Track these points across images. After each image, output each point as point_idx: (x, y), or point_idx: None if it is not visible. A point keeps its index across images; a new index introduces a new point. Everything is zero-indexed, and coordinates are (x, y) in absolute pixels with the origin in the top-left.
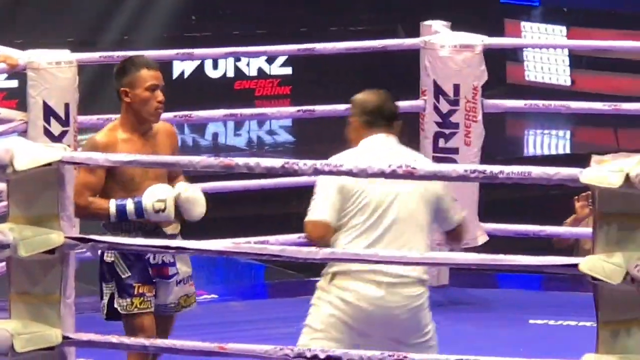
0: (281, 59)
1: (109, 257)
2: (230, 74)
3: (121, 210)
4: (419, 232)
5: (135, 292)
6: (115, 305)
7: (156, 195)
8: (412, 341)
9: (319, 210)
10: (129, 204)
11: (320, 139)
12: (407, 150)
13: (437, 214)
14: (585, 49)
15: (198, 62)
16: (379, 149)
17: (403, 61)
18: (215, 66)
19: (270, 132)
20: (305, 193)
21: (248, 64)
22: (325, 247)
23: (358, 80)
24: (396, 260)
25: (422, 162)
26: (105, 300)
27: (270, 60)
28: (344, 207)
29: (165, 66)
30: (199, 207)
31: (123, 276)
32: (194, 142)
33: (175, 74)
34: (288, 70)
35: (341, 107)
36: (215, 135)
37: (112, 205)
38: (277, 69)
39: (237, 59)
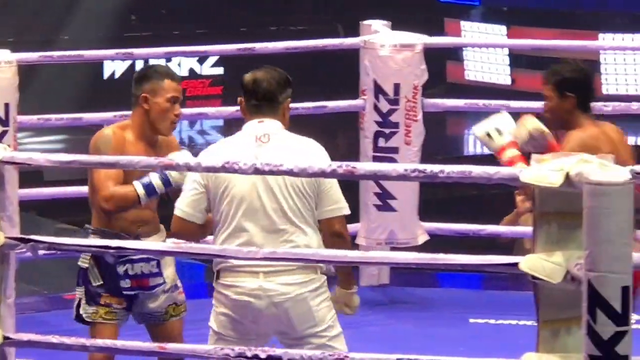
0: (212, 59)
1: (83, 263)
2: None
3: (148, 186)
4: (295, 222)
5: (102, 302)
6: (81, 311)
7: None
8: (305, 332)
9: (177, 204)
10: (154, 178)
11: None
12: (290, 141)
13: (317, 199)
14: (525, 48)
15: (129, 62)
16: (244, 140)
17: (341, 61)
18: None
19: (202, 132)
20: None
21: (179, 64)
22: (192, 241)
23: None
24: (329, 259)
25: (310, 151)
26: (74, 302)
27: (202, 60)
28: (214, 200)
29: (96, 66)
30: None
31: (93, 284)
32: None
33: (106, 74)
34: (219, 71)
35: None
36: None
37: (137, 185)
38: (209, 69)
39: (168, 60)
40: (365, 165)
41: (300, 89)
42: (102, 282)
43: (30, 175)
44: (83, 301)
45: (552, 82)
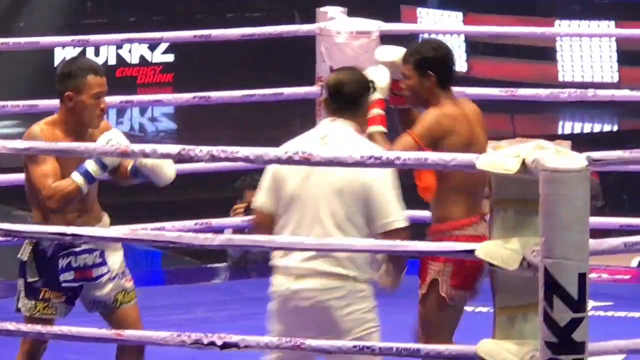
0: (163, 47)
1: (23, 256)
2: (112, 61)
3: (85, 173)
4: (339, 226)
5: (41, 297)
6: (19, 305)
7: (105, 137)
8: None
9: (257, 197)
10: (89, 165)
11: (202, 126)
12: (348, 145)
13: (367, 209)
14: (482, 35)
15: (80, 49)
16: (311, 139)
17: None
18: (97, 53)
19: (153, 119)
20: (200, 180)
21: (130, 51)
22: (268, 233)
23: (244, 67)
24: (290, 246)
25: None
26: (17, 294)
27: (153, 47)
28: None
29: (46, 54)
30: (169, 171)
31: (30, 279)
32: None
33: (56, 62)
34: (170, 58)
35: (237, 93)
36: (134, 123)
37: (75, 176)
38: (160, 56)
39: (119, 47)
40: (321, 152)
41: (256, 76)
42: (38, 278)
43: None
44: (22, 294)
45: (411, 62)
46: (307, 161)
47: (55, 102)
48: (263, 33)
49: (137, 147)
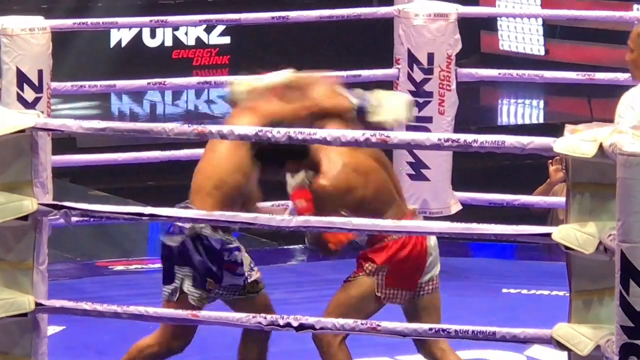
0: (220, 29)
1: (174, 243)
2: (169, 43)
3: None
4: None
5: (207, 287)
6: (185, 289)
7: None
8: None
9: None
10: None
11: None
12: None
13: None
14: (560, 18)
15: (136, 30)
16: None
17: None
18: (153, 35)
19: (209, 102)
20: None
21: (186, 33)
22: None
23: (328, 49)
24: (366, 228)
25: None
26: (177, 284)
27: (209, 29)
28: None
29: (103, 34)
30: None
31: (208, 272)
32: (131, 111)
33: (112, 43)
34: (226, 40)
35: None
36: (152, 105)
37: None
38: (216, 38)
39: (176, 28)
40: (398, 134)
41: (334, 58)
42: (216, 270)
43: (64, 142)
44: (189, 282)
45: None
46: (384, 143)
47: (133, 83)
48: (341, 15)
49: (214, 127)
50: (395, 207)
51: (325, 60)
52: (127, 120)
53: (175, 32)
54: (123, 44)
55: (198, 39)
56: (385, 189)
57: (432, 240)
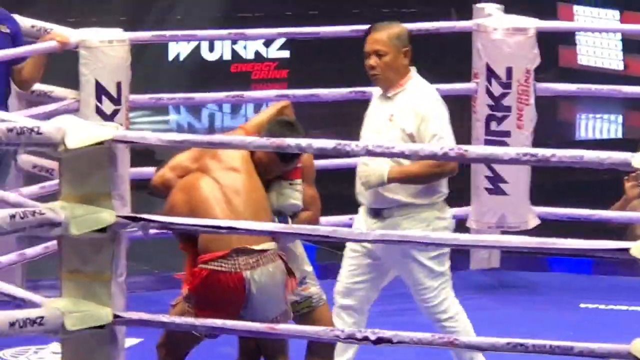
0: (279, 42)
1: None
2: (227, 56)
3: None
4: None
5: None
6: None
7: None
8: None
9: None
10: None
11: (316, 123)
12: None
13: None
14: (638, 33)
15: (195, 44)
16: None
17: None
18: (211, 49)
19: None
20: (354, 174)
21: (245, 47)
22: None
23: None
24: (439, 241)
25: None
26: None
27: (268, 43)
28: None
29: (160, 48)
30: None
31: None
32: (189, 125)
33: (171, 56)
34: (286, 54)
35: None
36: (211, 118)
37: None
38: (275, 52)
39: (234, 42)
40: (477, 149)
41: (358, 74)
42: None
43: (142, 154)
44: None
45: None
46: (462, 157)
47: (212, 95)
48: (420, 29)
49: (292, 141)
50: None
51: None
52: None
53: (234, 46)
54: (181, 58)
55: (257, 53)
56: (202, 209)
57: (261, 277)
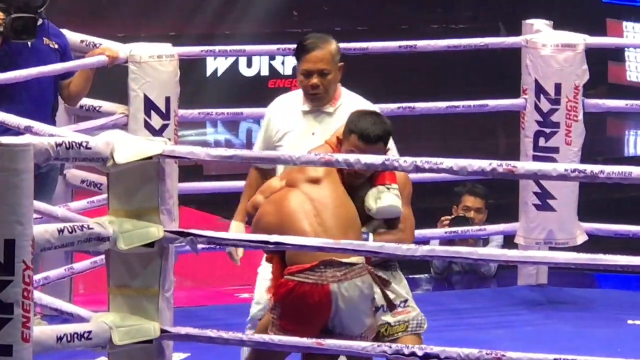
0: None
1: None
2: (265, 72)
3: None
4: None
5: None
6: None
7: None
8: None
9: None
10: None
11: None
12: None
13: None
14: None
15: (233, 59)
16: None
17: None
18: (249, 64)
19: None
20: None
21: (283, 63)
22: None
23: (456, 78)
24: (487, 257)
25: None
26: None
27: None
28: None
29: (198, 63)
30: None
31: None
32: (226, 141)
33: (209, 72)
34: None
35: (442, 104)
36: (249, 134)
37: None
38: None
39: (272, 58)
40: (525, 165)
41: (462, 88)
42: None
43: (190, 169)
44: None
45: None
46: (511, 174)
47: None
48: (469, 44)
49: (340, 156)
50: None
51: (451, 90)
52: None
53: (272, 62)
54: (219, 73)
55: (295, 69)
56: (290, 222)
57: (349, 290)
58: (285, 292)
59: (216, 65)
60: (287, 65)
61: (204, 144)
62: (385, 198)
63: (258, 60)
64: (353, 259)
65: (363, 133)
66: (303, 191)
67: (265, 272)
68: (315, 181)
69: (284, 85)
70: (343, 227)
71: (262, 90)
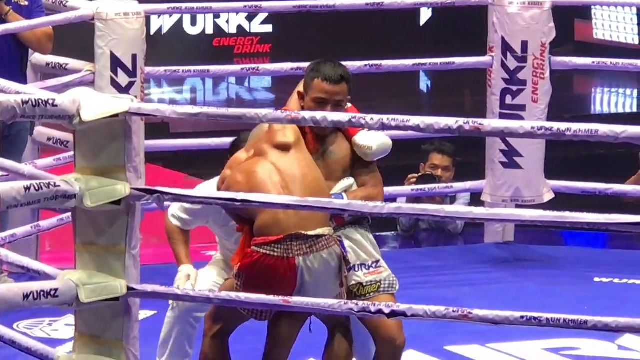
0: (261, 17)
1: None
2: (209, 30)
3: None
4: None
5: None
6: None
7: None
8: None
9: None
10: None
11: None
12: None
13: None
14: None
15: (177, 17)
16: None
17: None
18: (194, 22)
19: (250, 90)
20: None
21: (227, 21)
22: None
23: (423, 37)
24: (457, 215)
25: None
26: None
27: (251, 17)
28: None
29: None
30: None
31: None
32: (170, 99)
33: (153, 30)
34: (268, 28)
35: (409, 62)
36: (193, 91)
37: None
38: (258, 26)
39: (217, 16)
40: (492, 122)
41: (428, 46)
42: None
43: (157, 127)
44: None
45: None
46: (478, 131)
47: (227, 68)
48: (436, 2)
49: (307, 114)
50: (271, 214)
51: (421, 47)
52: None
53: (217, 20)
54: (163, 31)
55: (239, 27)
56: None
57: (314, 263)
58: (250, 263)
59: (160, 23)
60: (231, 23)
61: (149, 102)
62: (376, 136)
63: (203, 19)
64: (319, 231)
65: (326, 75)
66: (271, 161)
67: (205, 274)
68: (283, 148)
69: (229, 44)
70: (312, 196)
71: (207, 49)
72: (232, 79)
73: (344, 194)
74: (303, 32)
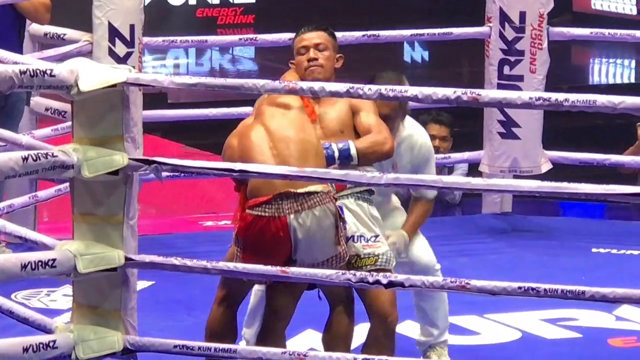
0: None
1: None
2: (192, 1)
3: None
4: None
5: None
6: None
7: None
8: None
9: None
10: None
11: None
12: None
13: None
14: None
15: None
16: None
17: None
18: None
19: (233, 61)
20: None
21: None
22: None
23: (421, 7)
24: (450, 185)
25: None
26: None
27: None
28: None
29: None
30: None
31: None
32: (153, 69)
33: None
34: None
35: (407, 32)
36: (176, 62)
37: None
38: None
39: None
40: (490, 93)
41: (425, 16)
42: None
43: (155, 97)
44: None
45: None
46: (475, 101)
47: (225, 38)
48: None
49: (304, 84)
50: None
51: (416, 18)
52: None
53: None
54: (147, 2)
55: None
56: (247, 156)
57: (306, 220)
58: (245, 226)
59: None
60: None
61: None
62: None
63: None
64: (311, 188)
65: (303, 29)
66: (263, 123)
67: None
68: (283, 107)
69: (212, 15)
70: (302, 155)
71: (190, 20)
72: (216, 49)
73: (351, 142)
74: (286, 2)
